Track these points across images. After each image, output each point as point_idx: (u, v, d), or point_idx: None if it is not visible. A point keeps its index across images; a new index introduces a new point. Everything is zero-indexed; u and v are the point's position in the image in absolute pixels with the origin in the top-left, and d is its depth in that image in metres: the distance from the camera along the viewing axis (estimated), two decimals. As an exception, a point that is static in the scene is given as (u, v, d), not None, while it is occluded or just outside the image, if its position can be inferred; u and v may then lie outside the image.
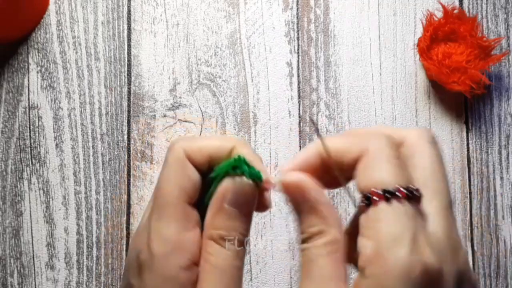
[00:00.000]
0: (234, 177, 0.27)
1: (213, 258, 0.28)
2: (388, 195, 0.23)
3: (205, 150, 0.28)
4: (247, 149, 0.28)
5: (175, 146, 0.28)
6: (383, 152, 0.24)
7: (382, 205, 0.23)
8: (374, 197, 0.23)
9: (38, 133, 0.51)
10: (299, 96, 0.51)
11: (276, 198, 0.50)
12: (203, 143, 0.28)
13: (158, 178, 0.29)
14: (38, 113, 0.51)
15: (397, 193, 0.23)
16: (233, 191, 0.27)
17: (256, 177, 0.28)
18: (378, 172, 0.24)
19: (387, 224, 0.23)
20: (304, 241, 0.26)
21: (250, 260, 0.49)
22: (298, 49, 0.52)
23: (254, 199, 0.28)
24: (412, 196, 0.23)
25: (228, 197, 0.27)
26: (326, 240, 0.25)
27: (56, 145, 0.51)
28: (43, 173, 0.51)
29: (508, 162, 0.51)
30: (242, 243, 0.28)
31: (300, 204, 0.26)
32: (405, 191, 0.23)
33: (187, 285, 0.27)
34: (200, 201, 0.29)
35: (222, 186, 0.27)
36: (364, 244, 0.23)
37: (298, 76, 0.52)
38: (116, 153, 0.51)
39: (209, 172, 0.29)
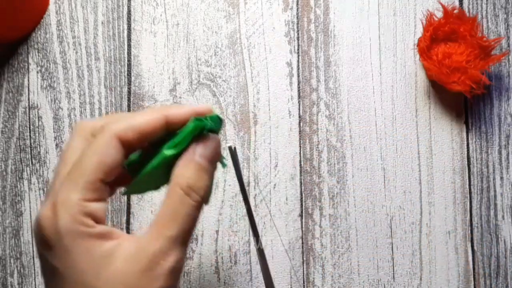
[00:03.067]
0: (203, 133, 0.31)
1: (176, 204, 0.30)
2: None
3: (137, 128, 0.30)
4: (179, 109, 0.31)
5: (105, 127, 0.30)
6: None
7: None
8: None
9: (38, 133, 0.51)
10: (299, 96, 0.51)
11: (276, 198, 0.50)
12: (134, 122, 0.30)
13: (70, 148, 0.30)
14: (38, 113, 0.51)
15: None
16: (203, 145, 0.31)
17: (215, 130, 0.32)
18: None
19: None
20: None
21: (250, 260, 0.49)
22: (298, 49, 0.52)
23: (220, 152, 0.32)
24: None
25: (199, 151, 0.30)
26: None
27: (56, 145, 0.51)
28: (43, 173, 0.51)
29: (508, 162, 0.51)
30: (207, 199, 0.31)
31: None
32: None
33: (97, 235, 0.28)
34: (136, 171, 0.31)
35: (194, 141, 0.31)
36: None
37: (298, 76, 0.52)
38: (116, 153, 0.51)
39: (146, 147, 0.31)
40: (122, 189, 0.33)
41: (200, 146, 0.31)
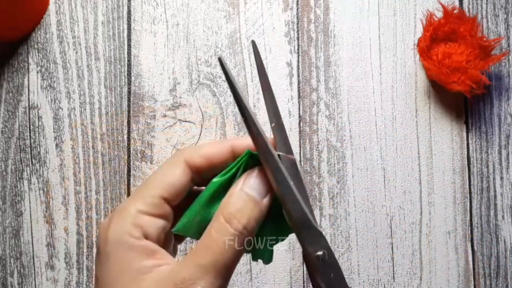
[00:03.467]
0: (251, 167, 0.30)
1: (214, 231, 0.28)
2: None
3: (203, 154, 0.30)
4: (244, 140, 0.31)
5: (177, 153, 0.30)
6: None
7: None
8: None
9: (38, 133, 0.51)
10: (299, 96, 0.51)
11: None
12: (201, 148, 0.30)
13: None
14: (38, 113, 0.51)
15: None
16: (249, 176, 0.29)
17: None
18: None
19: None
20: None
21: (250, 260, 0.49)
22: (298, 49, 0.52)
23: (268, 186, 0.30)
24: None
25: (247, 181, 0.29)
26: None
27: (56, 145, 0.51)
28: (43, 173, 0.51)
29: (508, 162, 0.51)
30: (252, 231, 0.29)
31: None
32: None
33: (138, 249, 0.28)
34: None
35: (243, 174, 0.30)
36: None
37: (298, 76, 0.52)
38: (116, 153, 0.51)
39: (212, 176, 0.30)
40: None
41: (249, 177, 0.29)
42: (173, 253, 0.33)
